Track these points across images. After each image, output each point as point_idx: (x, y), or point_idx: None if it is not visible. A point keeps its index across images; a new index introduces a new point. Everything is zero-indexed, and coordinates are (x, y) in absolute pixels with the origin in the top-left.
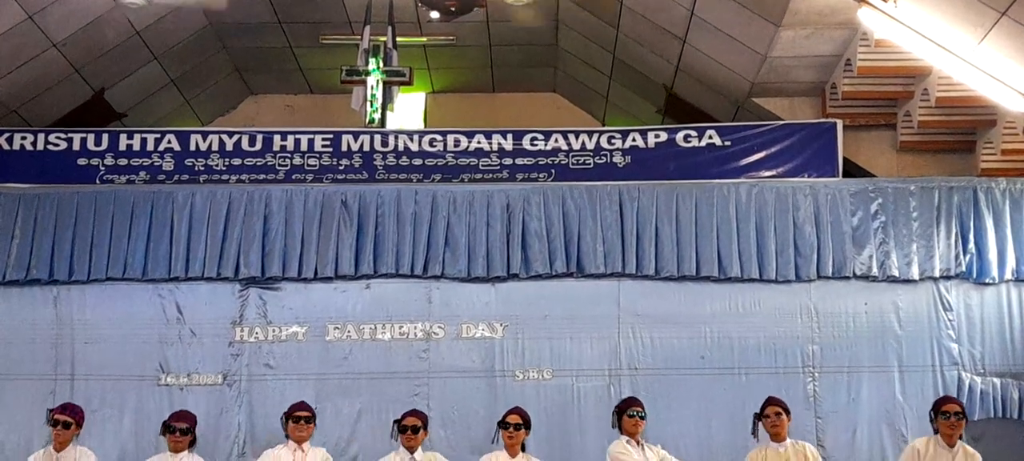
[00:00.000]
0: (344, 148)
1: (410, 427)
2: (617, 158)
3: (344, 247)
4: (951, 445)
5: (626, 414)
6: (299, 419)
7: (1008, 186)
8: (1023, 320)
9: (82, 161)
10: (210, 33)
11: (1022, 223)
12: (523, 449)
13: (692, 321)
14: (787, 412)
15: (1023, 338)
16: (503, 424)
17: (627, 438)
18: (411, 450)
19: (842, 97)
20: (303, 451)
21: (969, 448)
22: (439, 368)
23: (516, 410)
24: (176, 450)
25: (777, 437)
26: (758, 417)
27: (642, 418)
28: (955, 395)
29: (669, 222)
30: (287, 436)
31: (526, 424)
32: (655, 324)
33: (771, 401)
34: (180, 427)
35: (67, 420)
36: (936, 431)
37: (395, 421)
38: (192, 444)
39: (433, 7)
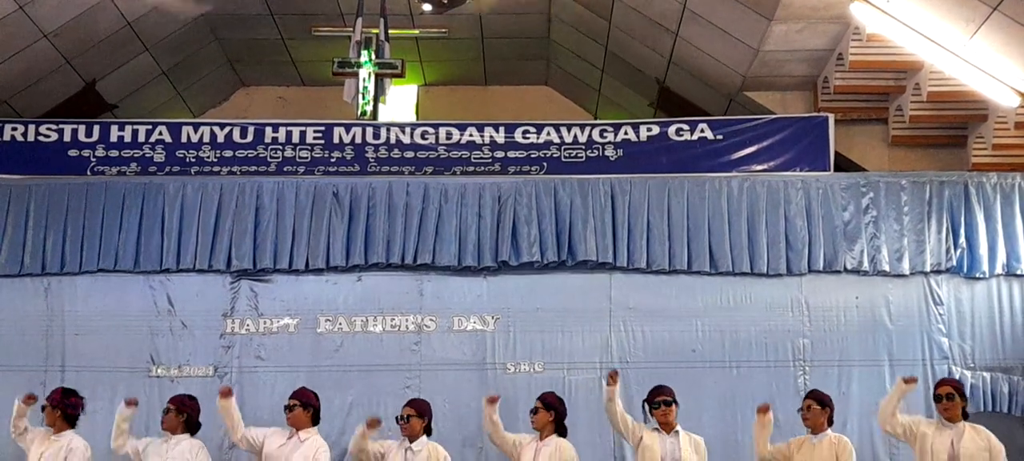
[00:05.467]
0: (336, 140)
1: (403, 417)
2: (609, 151)
3: (336, 239)
4: (952, 423)
5: (652, 404)
6: (285, 407)
7: (999, 181)
8: (1013, 315)
9: (73, 152)
10: (202, 24)
11: (1013, 218)
12: (560, 433)
13: (683, 314)
14: (821, 404)
15: (1013, 332)
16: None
17: (656, 428)
18: (409, 439)
19: (834, 91)
20: (300, 439)
21: (978, 427)
22: (431, 361)
23: (540, 395)
24: (165, 429)
25: (813, 429)
26: None
27: (668, 405)
28: None
29: (661, 215)
30: None
31: (545, 406)
32: (647, 317)
33: (806, 394)
34: (166, 407)
35: (44, 403)
36: (937, 415)
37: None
38: (191, 427)
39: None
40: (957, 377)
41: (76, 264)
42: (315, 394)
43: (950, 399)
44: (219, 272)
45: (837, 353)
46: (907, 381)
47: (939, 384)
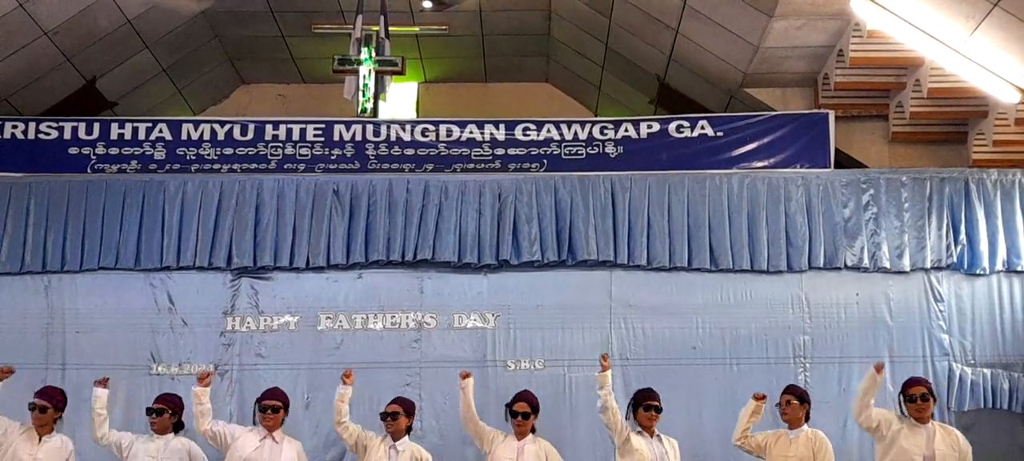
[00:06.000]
0: (336, 138)
1: (389, 413)
2: (609, 148)
3: (336, 237)
4: (923, 424)
5: (641, 407)
6: (266, 408)
7: (999, 177)
8: (1013, 311)
9: (73, 150)
10: (202, 22)
11: (1013, 214)
12: (533, 432)
13: (684, 311)
14: (800, 400)
15: (1013, 329)
16: (511, 412)
17: (640, 431)
18: (393, 436)
19: (834, 88)
20: (275, 440)
21: (946, 426)
22: (431, 358)
23: (523, 396)
24: (158, 431)
25: (790, 424)
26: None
27: (657, 412)
28: (945, 385)
29: (661, 212)
30: (255, 422)
31: (534, 409)
32: (647, 314)
33: (785, 389)
34: (155, 408)
35: (44, 404)
36: (903, 413)
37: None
38: (178, 427)
39: None
40: (957, 373)
41: (77, 262)
42: (287, 395)
43: (925, 400)
44: (219, 270)
45: (837, 350)
46: (878, 369)
47: (911, 384)
